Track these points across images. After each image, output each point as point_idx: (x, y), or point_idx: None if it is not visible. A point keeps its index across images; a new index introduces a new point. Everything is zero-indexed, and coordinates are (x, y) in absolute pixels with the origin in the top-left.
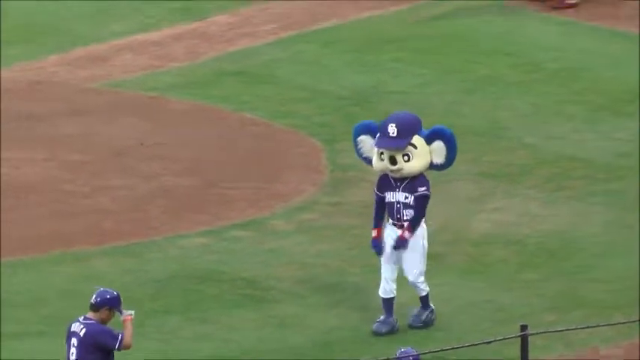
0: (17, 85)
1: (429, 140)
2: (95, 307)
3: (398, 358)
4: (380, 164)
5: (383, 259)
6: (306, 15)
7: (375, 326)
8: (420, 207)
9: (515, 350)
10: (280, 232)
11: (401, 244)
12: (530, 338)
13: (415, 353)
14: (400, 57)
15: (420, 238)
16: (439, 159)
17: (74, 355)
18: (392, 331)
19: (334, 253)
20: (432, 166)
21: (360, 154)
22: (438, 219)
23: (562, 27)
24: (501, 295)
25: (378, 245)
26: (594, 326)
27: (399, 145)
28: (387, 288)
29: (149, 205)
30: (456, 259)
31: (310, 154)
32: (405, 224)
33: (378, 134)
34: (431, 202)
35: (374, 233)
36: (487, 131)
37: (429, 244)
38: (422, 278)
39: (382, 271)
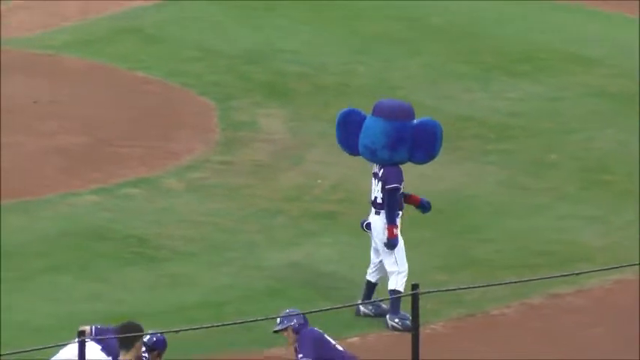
0: None
1: None
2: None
3: (285, 315)
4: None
5: (404, 254)
6: None
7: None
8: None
9: (407, 308)
10: (172, 190)
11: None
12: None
13: (298, 312)
14: (291, 15)
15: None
16: None
17: None
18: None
19: (225, 211)
20: None
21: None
22: (331, 178)
23: None
24: None
25: (396, 241)
26: (485, 285)
27: None
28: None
29: (42, 163)
30: (349, 218)
31: (202, 113)
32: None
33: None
34: (325, 162)
35: (396, 231)
36: (379, 91)
37: (320, 202)
38: (395, 269)
39: (405, 266)
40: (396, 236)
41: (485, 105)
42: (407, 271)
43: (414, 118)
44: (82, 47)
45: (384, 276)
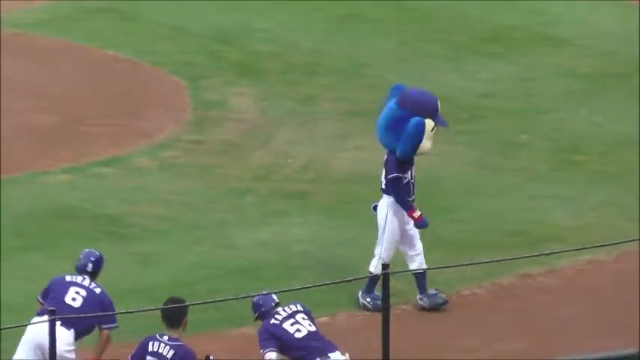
0: None
1: None
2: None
3: (260, 294)
4: (431, 145)
5: (392, 241)
6: None
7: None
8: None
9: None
10: (143, 169)
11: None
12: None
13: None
14: None
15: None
16: None
17: None
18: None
19: (196, 190)
20: None
21: (416, 154)
22: (300, 157)
23: None
24: (363, 233)
25: (425, 221)
26: (456, 265)
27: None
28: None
29: (12, 142)
30: (319, 197)
31: (173, 92)
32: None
33: (431, 117)
34: (295, 141)
35: (416, 213)
36: (349, 70)
37: (290, 182)
38: (377, 251)
39: (387, 254)
40: (421, 218)
41: (456, 85)
42: (387, 258)
43: (424, 115)
44: (53, 26)
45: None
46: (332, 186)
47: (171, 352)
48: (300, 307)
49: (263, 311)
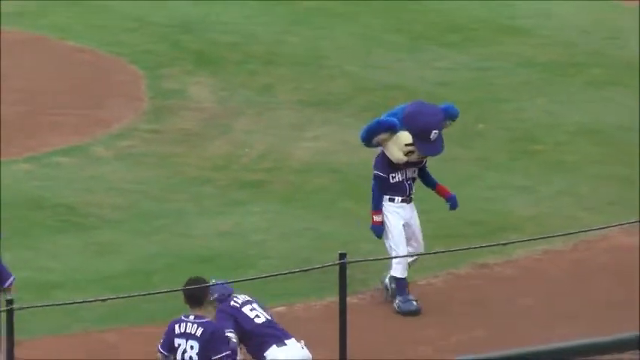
0: None
1: None
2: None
3: (216, 284)
4: (402, 157)
5: (399, 239)
6: None
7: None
8: (429, 174)
9: (334, 278)
10: (101, 158)
11: (455, 203)
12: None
13: (224, 282)
14: None
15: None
16: None
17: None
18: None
19: (154, 180)
20: None
21: (372, 145)
22: (259, 147)
23: None
24: (321, 223)
25: (380, 229)
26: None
27: (440, 151)
28: (406, 267)
29: None
30: (277, 187)
31: (132, 81)
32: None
33: (414, 136)
34: (253, 131)
35: (378, 217)
36: (309, 60)
37: (249, 171)
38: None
39: (401, 251)
40: (376, 224)
41: (414, 74)
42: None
43: (408, 126)
44: (16, 19)
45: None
46: (290, 175)
47: (200, 330)
48: (254, 299)
49: (220, 296)
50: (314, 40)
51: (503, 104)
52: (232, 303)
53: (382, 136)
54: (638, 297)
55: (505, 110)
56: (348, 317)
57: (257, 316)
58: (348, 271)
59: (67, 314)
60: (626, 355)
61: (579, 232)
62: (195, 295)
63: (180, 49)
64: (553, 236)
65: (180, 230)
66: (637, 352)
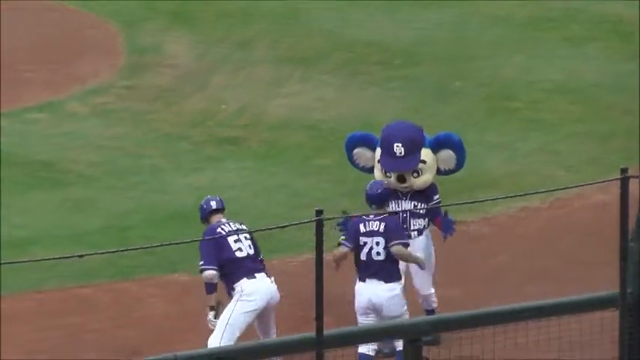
0: None
1: (435, 149)
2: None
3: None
4: (384, 178)
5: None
6: None
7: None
8: (437, 213)
9: (310, 235)
10: (76, 114)
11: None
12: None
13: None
14: None
15: (431, 246)
16: (448, 166)
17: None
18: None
19: (129, 136)
20: (439, 171)
21: (356, 166)
22: (234, 103)
23: None
24: (296, 180)
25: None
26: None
27: (409, 166)
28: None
29: None
30: (252, 144)
31: (107, 37)
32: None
33: (379, 151)
34: (229, 87)
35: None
36: (285, 16)
37: (224, 128)
38: (433, 290)
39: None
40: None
41: (390, 32)
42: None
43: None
44: None
45: None
46: (266, 132)
47: (382, 225)
48: (244, 227)
49: (209, 211)
50: None
51: (480, 61)
52: (218, 230)
53: (367, 154)
54: (617, 255)
55: (482, 67)
56: (325, 273)
57: (239, 249)
58: (324, 229)
59: (44, 270)
60: (607, 313)
61: (556, 189)
62: (380, 197)
63: (152, 9)
64: (530, 194)
65: (155, 186)
66: (616, 310)
